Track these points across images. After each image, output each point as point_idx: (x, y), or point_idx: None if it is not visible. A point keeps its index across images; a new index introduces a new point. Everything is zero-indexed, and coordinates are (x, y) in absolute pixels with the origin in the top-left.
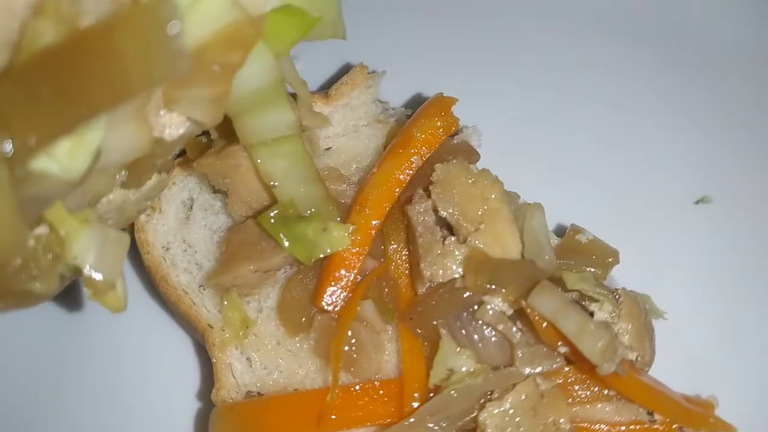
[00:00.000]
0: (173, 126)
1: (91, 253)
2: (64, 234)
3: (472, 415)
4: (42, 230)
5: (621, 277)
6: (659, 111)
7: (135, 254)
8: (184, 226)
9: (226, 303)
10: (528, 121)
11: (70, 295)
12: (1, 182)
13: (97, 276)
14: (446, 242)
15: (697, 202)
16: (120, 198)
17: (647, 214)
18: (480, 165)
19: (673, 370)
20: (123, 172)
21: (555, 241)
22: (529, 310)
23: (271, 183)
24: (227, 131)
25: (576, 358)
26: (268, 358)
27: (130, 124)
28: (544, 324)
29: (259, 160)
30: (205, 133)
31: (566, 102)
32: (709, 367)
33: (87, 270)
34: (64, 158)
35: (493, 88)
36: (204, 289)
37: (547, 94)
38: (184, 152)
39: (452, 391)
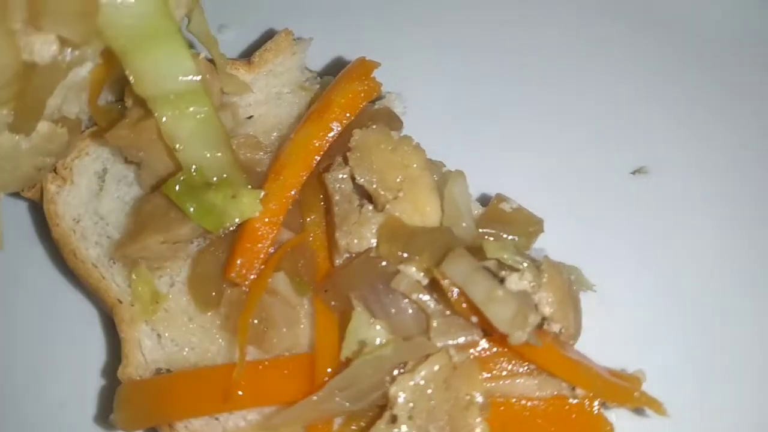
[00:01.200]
0: (42, 45)
1: None
2: None
3: (384, 390)
4: None
5: (553, 249)
6: (596, 81)
7: (44, 226)
8: (96, 198)
9: (134, 277)
10: (461, 89)
11: None
12: None
13: None
14: (363, 210)
15: (633, 173)
16: (9, 143)
17: (582, 184)
18: (408, 133)
19: (602, 344)
20: (6, 112)
21: (480, 210)
22: (440, 278)
23: (175, 146)
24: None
25: (489, 329)
26: (179, 334)
27: None
28: (456, 292)
29: (162, 121)
30: (119, 101)
31: (500, 69)
32: (638, 342)
33: None
34: None
35: (423, 55)
36: (114, 263)
37: (481, 61)
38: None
39: (362, 363)
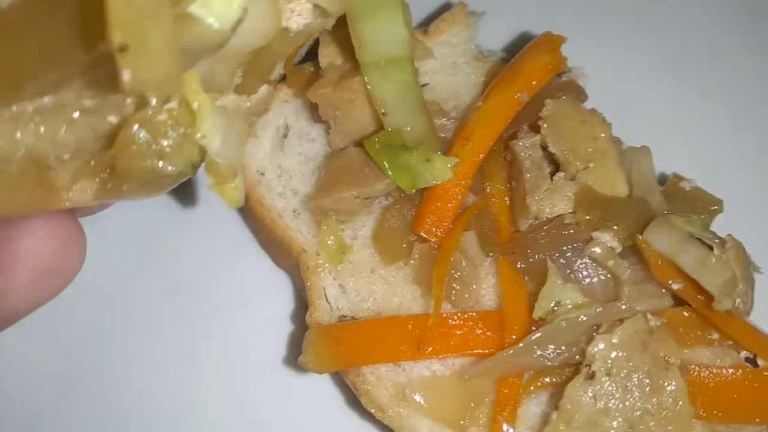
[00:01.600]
0: (301, 13)
1: (218, 136)
2: (196, 108)
3: (578, 348)
4: (173, 104)
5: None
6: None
7: None
8: (279, 152)
9: (324, 227)
10: (635, 69)
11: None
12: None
13: (222, 160)
14: (555, 178)
15: None
16: (233, 104)
17: (747, 174)
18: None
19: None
20: (239, 72)
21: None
22: (644, 246)
23: (382, 111)
24: (342, 58)
25: (688, 296)
26: (362, 285)
27: (263, 2)
28: (659, 261)
29: (370, 87)
30: (312, 60)
31: (677, 56)
32: None
33: (213, 151)
34: (218, 6)
35: (598, 33)
36: (299, 215)
37: (654, 47)
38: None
39: (562, 322)
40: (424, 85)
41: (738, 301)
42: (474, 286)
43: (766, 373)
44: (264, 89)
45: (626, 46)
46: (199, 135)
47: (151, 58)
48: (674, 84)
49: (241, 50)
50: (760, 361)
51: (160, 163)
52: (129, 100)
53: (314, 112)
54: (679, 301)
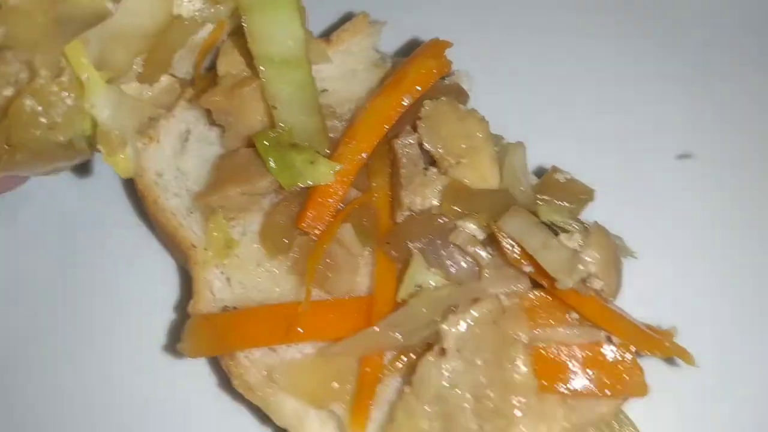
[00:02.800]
0: (192, 0)
1: (108, 107)
2: (85, 79)
3: (435, 328)
4: (65, 78)
5: (600, 220)
6: (648, 67)
7: (128, 182)
8: (179, 156)
9: (211, 224)
10: (522, 69)
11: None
12: None
13: (112, 129)
14: (428, 173)
15: (679, 157)
16: (135, 91)
17: (630, 165)
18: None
19: (639, 304)
20: (139, 60)
21: (535, 180)
22: (497, 232)
23: (273, 105)
24: (239, 68)
25: (539, 277)
26: (247, 278)
27: None
28: (511, 245)
29: (264, 80)
30: (211, 69)
31: (558, 52)
32: (674, 303)
33: (102, 121)
34: None
35: (488, 36)
36: (191, 213)
37: (541, 45)
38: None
39: (418, 302)
40: (323, 91)
41: (601, 284)
42: (348, 275)
43: (615, 349)
44: (166, 80)
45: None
46: (88, 105)
47: (24, 16)
48: (563, 82)
49: (134, 33)
50: (615, 339)
51: (50, 132)
52: (23, 74)
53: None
54: (538, 284)
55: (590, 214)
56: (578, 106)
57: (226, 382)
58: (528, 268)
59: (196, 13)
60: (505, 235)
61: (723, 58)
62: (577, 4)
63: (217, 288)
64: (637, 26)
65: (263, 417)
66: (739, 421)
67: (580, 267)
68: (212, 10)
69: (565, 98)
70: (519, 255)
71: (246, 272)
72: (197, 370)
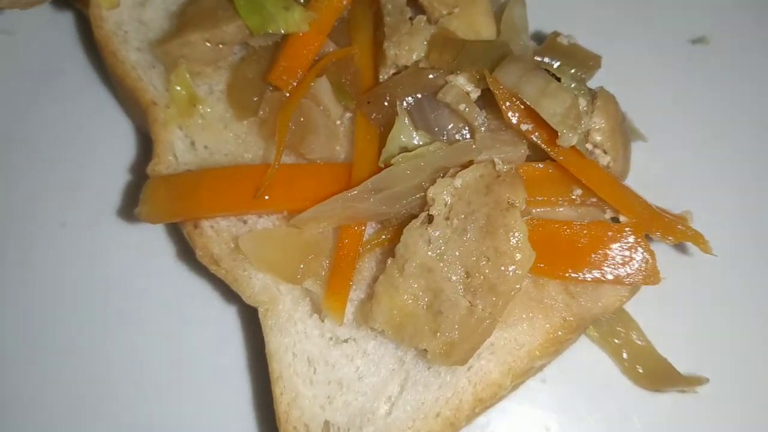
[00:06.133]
0: None
1: None
2: None
3: (421, 194)
4: None
5: None
6: None
7: (86, 31)
8: (142, 6)
9: (173, 77)
10: None
11: None
12: None
13: None
14: (415, 21)
15: (694, 42)
16: None
17: (642, 47)
18: None
19: (650, 189)
20: None
21: (534, 45)
22: (493, 83)
23: None
24: None
25: (539, 137)
26: (214, 140)
27: None
28: (508, 100)
29: None
30: None
31: None
32: (688, 187)
33: None
34: None
35: None
36: (153, 67)
37: None
38: None
39: (402, 163)
40: None
41: (607, 159)
42: (326, 139)
43: (622, 228)
44: None
45: None
46: None
47: None
48: None
49: None
50: (622, 218)
51: None
52: None
53: None
54: (537, 156)
55: None
56: None
57: (187, 253)
58: (526, 126)
59: None
60: (502, 88)
61: None
62: None
63: (180, 150)
64: None
65: (229, 294)
66: (746, 317)
67: (586, 119)
68: None
69: None
70: (516, 111)
71: (212, 134)
72: (155, 238)
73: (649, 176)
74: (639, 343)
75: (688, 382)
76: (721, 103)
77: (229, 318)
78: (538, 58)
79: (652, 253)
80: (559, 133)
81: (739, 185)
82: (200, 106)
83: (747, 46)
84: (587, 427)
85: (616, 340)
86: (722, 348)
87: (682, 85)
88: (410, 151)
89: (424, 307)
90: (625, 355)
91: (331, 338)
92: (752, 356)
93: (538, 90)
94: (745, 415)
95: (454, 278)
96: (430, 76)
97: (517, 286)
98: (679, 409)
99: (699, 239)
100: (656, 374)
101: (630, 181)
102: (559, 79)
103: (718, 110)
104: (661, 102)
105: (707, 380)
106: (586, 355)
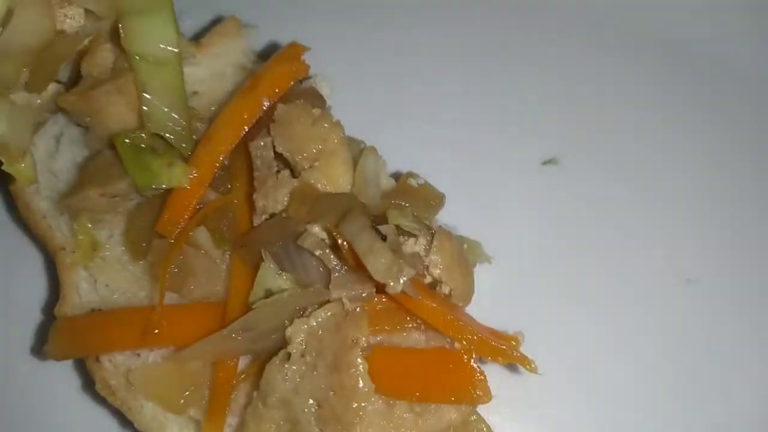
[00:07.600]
0: (73, 17)
1: (3, 121)
2: None
3: (282, 333)
4: None
5: (462, 227)
6: (511, 71)
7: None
8: (52, 158)
9: (76, 226)
10: (389, 74)
11: None
12: None
13: (10, 141)
14: (280, 175)
15: (544, 163)
16: (25, 101)
17: (495, 173)
18: (336, 112)
19: (495, 310)
20: (26, 71)
21: (392, 184)
22: (337, 235)
23: (144, 106)
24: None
25: (378, 281)
26: (113, 280)
27: (36, 7)
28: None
29: (135, 72)
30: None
31: (422, 59)
32: (531, 310)
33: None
34: None
35: (357, 46)
36: (61, 215)
37: (408, 53)
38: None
39: (263, 306)
40: (194, 93)
41: (448, 288)
42: (207, 280)
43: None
44: (53, 88)
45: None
46: None
47: None
48: (429, 90)
49: (21, 49)
50: (456, 344)
51: None
52: None
53: None
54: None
55: (454, 219)
56: (444, 112)
57: (90, 384)
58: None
59: (79, 29)
60: (342, 239)
61: (588, 59)
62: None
63: (84, 290)
64: (499, 32)
65: (125, 421)
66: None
67: (407, 269)
68: (93, 23)
69: (430, 104)
70: (355, 259)
71: (111, 274)
72: (63, 373)
73: (495, 295)
74: None
75: None
76: (567, 222)
77: None
78: (393, 201)
79: (483, 376)
80: (385, 284)
81: (582, 300)
82: (101, 250)
83: (594, 167)
84: None
85: None
86: None
87: (536, 205)
88: (276, 292)
89: None
90: None
91: None
92: None
93: (366, 247)
94: None
95: (306, 410)
96: (293, 225)
97: (361, 414)
98: None
99: (524, 361)
100: None
101: (475, 302)
102: (406, 236)
103: (565, 229)
104: (509, 224)
105: None
106: None
